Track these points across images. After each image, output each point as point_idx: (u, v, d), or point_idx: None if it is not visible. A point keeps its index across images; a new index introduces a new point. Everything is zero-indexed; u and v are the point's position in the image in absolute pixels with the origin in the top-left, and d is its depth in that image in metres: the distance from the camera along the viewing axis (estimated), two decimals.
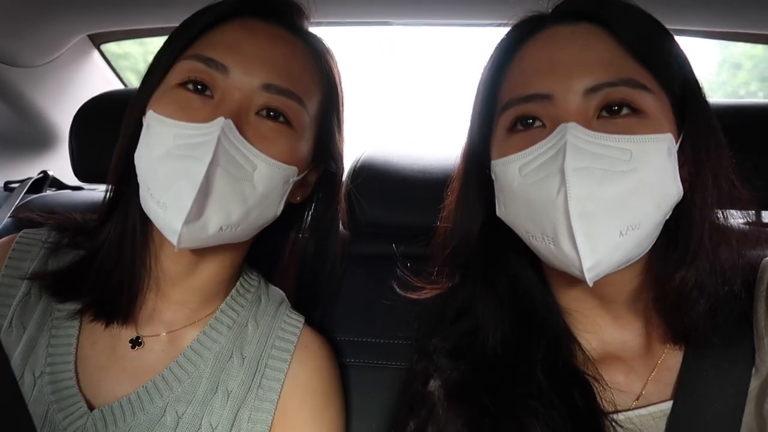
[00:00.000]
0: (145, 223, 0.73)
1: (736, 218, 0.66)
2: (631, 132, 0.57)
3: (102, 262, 0.74)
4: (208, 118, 0.64)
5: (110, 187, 0.75)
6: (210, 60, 0.67)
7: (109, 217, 0.76)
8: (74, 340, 0.73)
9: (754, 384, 0.60)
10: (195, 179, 0.61)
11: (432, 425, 0.67)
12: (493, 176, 0.66)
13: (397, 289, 0.79)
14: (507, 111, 0.63)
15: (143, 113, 0.69)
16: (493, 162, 0.65)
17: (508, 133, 0.64)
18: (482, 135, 0.69)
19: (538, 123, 0.61)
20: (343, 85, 0.81)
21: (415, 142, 1.10)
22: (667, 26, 0.65)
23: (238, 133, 0.64)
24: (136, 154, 0.68)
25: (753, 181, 0.64)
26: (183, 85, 0.68)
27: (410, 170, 0.98)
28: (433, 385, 0.71)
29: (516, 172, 0.61)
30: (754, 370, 0.60)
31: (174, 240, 0.63)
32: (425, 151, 1.03)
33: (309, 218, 0.85)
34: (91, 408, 0.69)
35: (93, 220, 0.80)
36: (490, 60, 0.70)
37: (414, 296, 0.76)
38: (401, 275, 0.79)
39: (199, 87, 0.68)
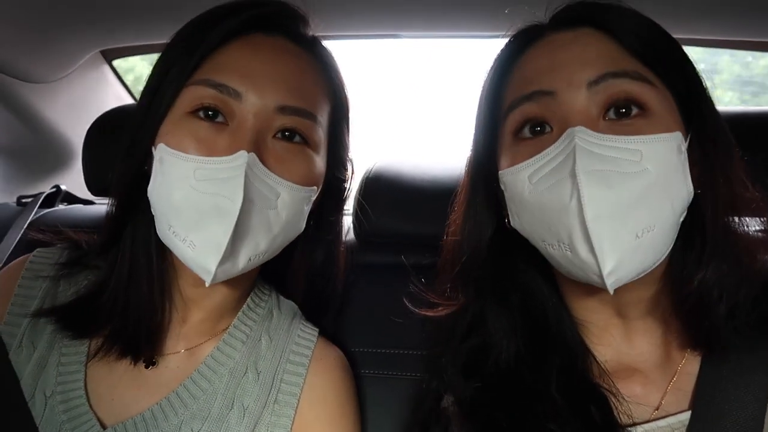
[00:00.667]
0: (162, 253, 0.72)
1: (752, 225, 0.66)
2: (640, 132, 0.56)
3: (115, 295, 0.72)
4: (228, 150, 0.63)
5: (114, 209, 0.72)
6: (222, 86, 0.65)
7: (115, 241, 0.73)
8: (84, 357, 0.72)
9: None
10: (229, 219, 0.60)
11: None
12: (502, 186, 0.65)
13: (411, 307, 0.77)
14: (511, 113, 0.63)
15: (152, 142, 0.67)
16: (501, 172, 0.64)
17: (514, 140, 0.63)
18: (487, 145, 0.68)
19: (546, 129, 0.61)
20: (349, 92, 0.80)
21: (425, 153, 1.10)
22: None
23: (262, 166, 0.63)
24: (150, 189, 0.66)
25: (765, 187, 0.64)
26: (195, 113, 0.65)
27: (420, 180, 0.98)
28: (447, 401, 0.70)
29: (526, 181, 0.60)
30: None
31: (208, 279, 0.62)
32: (435, 161, 1.04)
33: (315, 224, 0.83)
34: (104, 426, 0.69)
35: (99, 242, 0.78)
36: (491, 70, 0.69)
37: (429, 313, 0.75)
38: (414, 291, 0.78)
39: (211, 114, 0.65)
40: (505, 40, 0.70)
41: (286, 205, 0.67)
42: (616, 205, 0.54)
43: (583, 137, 0.55)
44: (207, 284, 0.62)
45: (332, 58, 0.78)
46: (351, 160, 0.83)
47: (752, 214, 0.64)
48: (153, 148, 0.67)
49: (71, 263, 0.78)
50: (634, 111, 0.58)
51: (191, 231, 0.62)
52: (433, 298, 0.75)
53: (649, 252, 0.56)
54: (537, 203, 0.59)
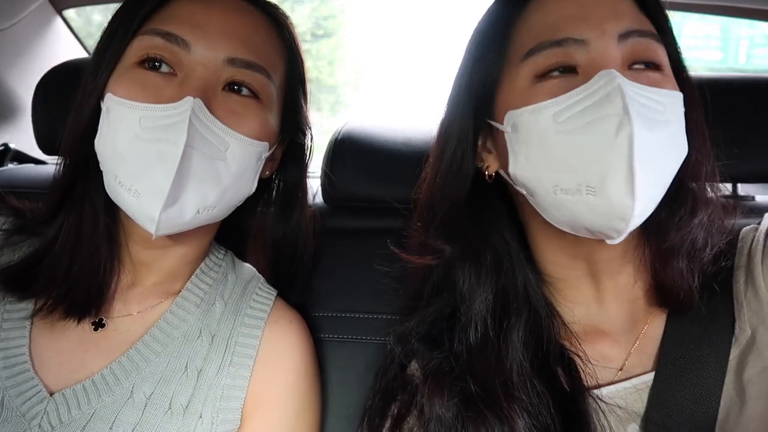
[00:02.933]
0: (110, 211, 0.70)
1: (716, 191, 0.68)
2: (658, 86, 0.58)
3: (59, 255, 0.70)
4: (174, 98, 0.62)
5: (63, 170, 0.71)
6: (170, 35, 0.64)
7: (63, 202, 0.71)
8: (28, 322, 0.70)
9: (734, 353, 0.60)
10: (171, 163, 0.59)
11: (414, 409, 0.66)
12: (508, 130, 0.62)
13: (382, 265, 0.77)
14: (535, 57, 0.60)
15: (101, 96, 0.66)
16: (512, 113, 0.61)
17: (535, 80, 0.60)
18: (482, 91, 0.65)
19: (573, 72, 0.59)
20: (304, 58, 0.79)
21: (396, 115, 1.08)
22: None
23: (208, 112, 0.62)
24: (97, 141, 0.65)
25: (729, 153, 0.65)
26: (142, 63, 0.64)
27: (393, 142, 0.96)
28: (412, 368, 0.70)
29: (550, 120, 0.57)
30: (734, 340, 0.61)
31: (152, 228, 0.60)
32: (408, 124, 1.01)
33: (276, 192, 0.83)
34: (52, 392, 0.67)
35: (47, 203, 0.75)
36: (492, 11, 0.67)
37: (406, 257, 0.73)
38: (387, 249, 0.76)
39: (160, 64, 0.64)
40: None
41: (236, 158, 0.65)
42: (655, 150, 0.54)
43: (623, 80, 0.54)
44: (153, 236, 0.61)
45: (288, 21, 0.76)
46: (309, 127, 0.82)
47: (717, 181, 0.66)
48: (102, 102, 0.65)
49: (14, 231, 0.76)
50: (653, 67, 0.59)
51: (136, 179, 0.61)
52: (404, 255, 0.74)
53: (654, 202, 0.57)
54: (565, 142, 0.56)
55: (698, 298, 0.62)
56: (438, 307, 0.71)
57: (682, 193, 0.62)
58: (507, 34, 0.64)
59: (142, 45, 0.65)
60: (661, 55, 0.60)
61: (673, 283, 0.62)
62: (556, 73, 0.59)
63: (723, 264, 0.63)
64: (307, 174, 0.85)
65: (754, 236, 0.64)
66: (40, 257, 0.71)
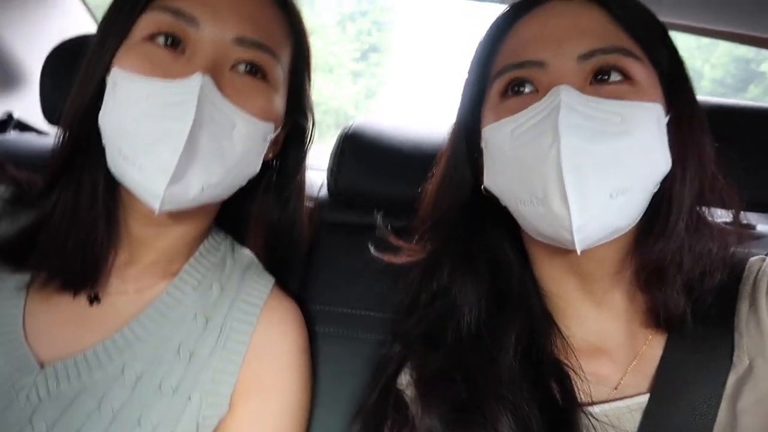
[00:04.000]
0: (110, 187, 0.70)
1: (723, 218, 0.68)
2: (623, 98, 0.58)
3: (56, 228, 0.69)
4: (183, 74, 0.61)
5: (62, 143, 0.70)
6: (179, 11, 0.64)
7: (61, 175, 0.71)
8: (22, 293, 0.70)
9: (730, 381, 0.61)
10: (178, 140, 0.58)
11: (405, 428, 0.67)
12: (483, 145, 0.66)
13: (373, 251, 0.77)
14: (500, 77, 0.64)
15: (106, 71, 0.65)
16: (484, 129, 0.65)
17: (501, 99, 0.64)
18: (473, 107, 0.69)
19: (531, 88, 0.62)
20: (310, 42, 0.79)
21: (405, 116, 1.08)
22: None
23: (217, 91, 0.62)
24: (101, 116, 0.64)
25: (739, 181, 0.65)
26: (151, 38, 0.64)
27: (402, 141, 0.96)
28: (404, 381, 0.70)
29: (508, 135, 0.61)
30: (731, 368, 0.61)
31: (156, 204, 0.60)
32: (416, 125, 1.01)
33: (276, 176, 0.83)
34: (43, 364, 0.66)
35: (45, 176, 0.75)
36: (485, 35, 0.70)
37: (393, 259, 0.75)
38: (380, 235, 0.78)
39: (168, 40, 0.64)
40: (503, 7, 0.69)
41: (242, 138, 0.65)
42: (592, 160, 0.55)
43: (568, 94, 0.57)
44: (156, 212, 0.60)
45: (296, 7, 0.77)
46: (312, 111, 0.82)
47: (721, 205, 0.66)
48: (107, 76, 0.65)
49: (12, 200, 0.76)
50: (619, 77, 0.60)
51: (141, 154, 0.60)
52: (397, 241, 0.76)
53: (621, 215, 0.57)
54: (516, 157, 0.60)
55: (699, 324, 0.62)
56: (437, 308, 0.71)
57: (664, 209, 0.62)
58: (490, 58, 0.67)
59: (150, 20, 0.65)
60: (631, 66, 0.60)
61: (663, 304, 0.63)
62: (514, 92, 0.63)
63: (726, 291, 0.63)
64: (306, 161, 0.84)
65: (760, 267, 0.64)
66: (37, 229, 0.71)
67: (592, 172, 0.55)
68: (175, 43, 0.64)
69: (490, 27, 0.69)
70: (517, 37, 0.65)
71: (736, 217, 0.97)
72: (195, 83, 0.60)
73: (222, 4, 0.65)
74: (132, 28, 0.65)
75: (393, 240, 0.77)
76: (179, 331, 0.72)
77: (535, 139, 0.58)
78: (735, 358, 0.61)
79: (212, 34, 0.64)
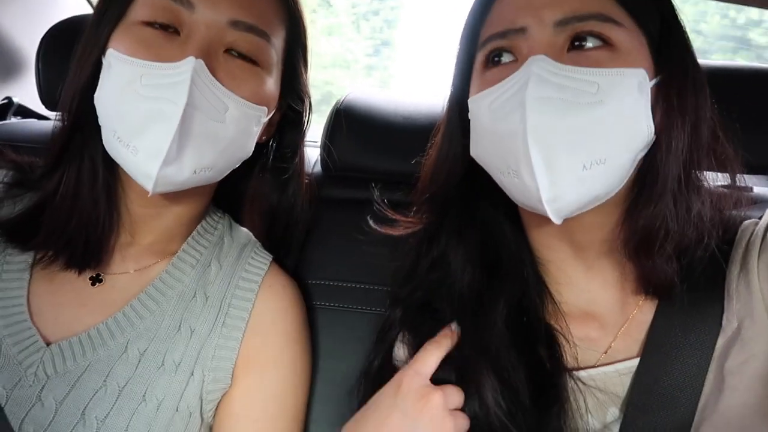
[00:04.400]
0: (109, 166, 0.71)
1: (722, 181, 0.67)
2: (601, 65, 0.57)
3: (59, 208, 0.71)
4: (176, 57, 0.62)
5: (63, 124, 0.71)
6: None
7: (62, 156, 0.72)
8: (26, 274, 0.72)
9: (720, 343, 0.61)
10: (171, 122, 0.59)
11: None
12: (470, 116, 0.66)
13: (372, 223, 0.78)
14: (484, 47, 0.63)
15: (102, 51, 0.66)
16: (469, 101, 0.65)
17: (483, 70, 0.64)
18: (463, 79, 0.69)
19: (510, 58, 0.62)
20: (306, 23, 0.79)
21: (397, 89, 1.07)
22: None
23: (209, 74, 0.63)
24: (96, 96, 0.65)
25: (741, 142, 0.64)
26: (147, 21, 0.65)
27: (394, 115, 0.95)
28: (400, 354, 0.72)
29: (486, 108, 0.61)
30: (720, 331, 0.61)
31: (149, 185, 0.62)
32: (411, 98, 1.01)
33: (272, 157, 0.84)
34: (49, 343, 0.68)
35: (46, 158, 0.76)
36: (473, 5, 0.69)
37: (390, 231, 0.76)
38: (377, 209, 0.79)
39: (163, 23, 0.65)
40: None
41: (234, 120, 0.66)
42: (561, 133, 0.55)
43: (541, 65, 0.56)
44: (149, 192, 0.62)
45: None
46: (308, 94, 0.83)
47: (718, 169, 0.65)
48: (103, 57, 0.66)
49: (13, 184, 0.77)
50: (599, 44, 0.59)
51: (135, 136, 0.62)
52: (394, 214, 0.77)
53: (597, 184, 0.57)
54: (493, 129, 0.60)
55: (689, 289, 0.62)
56: (434, 275, 0.72)
57: (649, 178, 0.61)
58: (478, 29, 0.66)
59: (147, 3, 0.65)
60: (610, 32, 0.58)
61: (652, 273, 0.63)
62: (494, 63, 0.63)
63: (717, 254, 0.63)
64: (305, 142, 0.85)
65: (753, 230, 0.64)
66: (41, 210, 0.72)
67: (560, 146, 0.55)
68: (170, 25, 0.65)
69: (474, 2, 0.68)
70: (501, 6, 0.64)
71: (732, 179, 0.96)
72: (188, 66, 0.61)
73: None
74: (128, 9, 0.66)
75: (390, 213, 0.78)
76: (179, 308, 0.73)
77: (509, 113, 0.58)
78: (724, 321, 0.61)
79: (207, 17, 0.65)
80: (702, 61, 0.66)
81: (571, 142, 0.55)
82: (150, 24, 0.65)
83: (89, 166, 0.71)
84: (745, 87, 0.88)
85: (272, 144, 0.83)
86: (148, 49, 0.63)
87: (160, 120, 0.60)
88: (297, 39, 0.77)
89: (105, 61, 0.65)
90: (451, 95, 0.73)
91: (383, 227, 0.77)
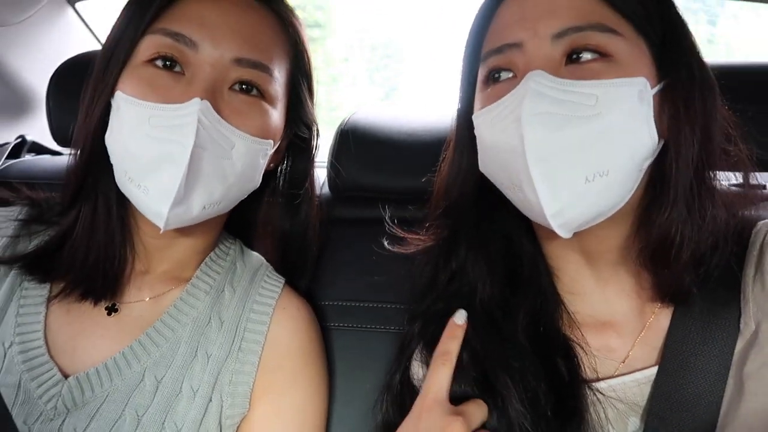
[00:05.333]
0: (122, 202, 0.72)
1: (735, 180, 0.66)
2: (599, 77, 0.56)
3: (76, 243, 0.72)
4: (183, 98, 0.63)
5: (75, 163, 0.73)
6: (178, 35, 0.66)
7: (77, 194, 0.74)
8: (43, 308, 0.73)
9: (738, 347, 0.60)
10: (180, 163, 0.61)
11: None
12: (475, 132, 0.66)
13: (386, 245, 0.78)
14: (483, 64, 0.64)
15: (111, 94, 0.67)
16: (473, 118, 0.66)
17: (484, 86, 0.64)
18: (469, 94, 0.69)
19: (509, 74, 0.62)
20: (310, 51, 0.80)
21: (402, 106, 1.08)
22: None
23: (215, 113, 0.64)
24: (107, 137, 0.67)
25: (755, 140, 0.63)
26: (152, 61, 0.66)
27: (398, 133, 0.96)
28: (419, 373, 0.71)
29: (488, 124, 0.62)
30: (738, 335, 0.60)
31: (161, 223, 0.64)
32: (415, 115, 1.01)
33: (282, 185, 0.85)
34: (66, 375, 0.69)
35: (62, 195, 0.78)
36: (473, 21, 0.69)
37: (401, 250, 0.76)
38: (390, 231, 0.79)
39: (168, 63, 0.66)
40: None
41: (241, 156, 0.68)
42: (560, 148, 0.55)
43: (538, 80, 0.56)
44: (161, 230, 0.64)
45: (293, 15, 0.78)
46: (315, 122, 0.83)
47: (732, 169, 0.64)
48: (112, 99, 0.67)
49: (30, 220, 0.79)
50: (595, 56, 0.58)
51: (145, 176, 0.63)
52: (407, 234, 0.77)
53: (603, 197, 0.57)
54: (495, 145, 0.61)
55: (706, 293, 0.61)
56: (454, 287, 0.72)
57: (660, 185, 0.60)
58: (478, 44, 0.67)
59: (151, 44, 0.67)
60: (608, 43, 0.58)
61: (669, 281, 0.62)
62: (493, 80, 0.63)
63: (734, 256, 0.62)
64: (314, 166, 0.86)
65: (767, 231, 0.63)
66: (58, 245, 0.74)
67: (560, 161, 0.55)
68: (175, 64, 0.66)
69: (478, 12, 0.68)
70: (499, 20, 0.64)
71: (745, 179, 0.95)
72: (193, 108, 0.62)
73: (220, 26, 0.67)
74: (134, 51, 0.67)
75: (400, 232, 0.78)
76: (195, 334, 0.74)
77: (508, 128, 0.58)
78: (741, 325, 0.60)
79: (211, 55, 0.66)
80: (711, 60, 0.65)
81: (571, 156, 0.55)
82: (154, 62, 0.66)
83: (103, 202, 0.72)
84: (756, 84, 0.88)
85: (282, 170, 0.84)
86: (154, 91, 0.64)
87: (169, 161, 0.62)
88: (301, 69, 0.78)
89: (114, 103, 0.67)
90: (459, 111, 0.73)
91: (395, 246, 0.78)
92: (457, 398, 0.64)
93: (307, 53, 0.79)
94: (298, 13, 0.79)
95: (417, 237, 0.76)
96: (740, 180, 0.66)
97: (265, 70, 0.69)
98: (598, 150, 0.55)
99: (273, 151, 0.74)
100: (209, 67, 0.66)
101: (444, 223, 0.74)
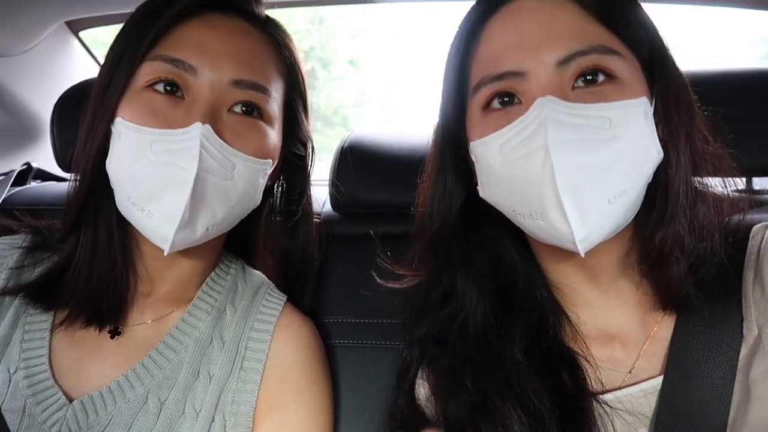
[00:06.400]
0: (123, 225, 0.72)
1: (719, 186, 0.66)
2: (608, 99, 0.57)
3: (79, 268, 0.72)
4: (184, 123, 0.64)
5: (76, 189, 0.72)
6: (177, 61, 0.67)
7: (78, 219, 0.74)
8: (47, 333, 0.73)
9: (743, 353, 0.59)
10: (184, 189, 0.62)
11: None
12: (472, 157, 0.65)
13: (378, 279, 0.78)
14: (480, 91, 0.62)
15: (111, 120, 0.68)
16: (471, 143, 0.64)
17: (483, 113, 0.63)
18: (455, 116, 0.67)
19: (515, 100, 0.61)
20: (304, 72, 0.82)
21: (401, 122, 1.09)
22: None
23: (216, 138, 0.65)
24: (108, 163, 0.68)
25: (743, 146, 0.64)
26: (151, 86, 0.67)
27: (398, 148, 0.97)
28: (421, 393, 0.71)
29: (497, 151, 0.60)
30: (742, 340, 0.60)
31: (165, 246, 0.64)
32: (412, 130, 1.02)
33: (280, 203, 0.86)
34: (71, 399, 0.69)
35: (62, 221, 0.78)
36: (455, 39, 0.68)
37: (397, 285, 0.76)
38: (381, 264, 0.78)
39: (169, 88, 0.67)
40: (470, 4, 0.67)
41: (243, 177, 0.68)
42: (587, 173, 0.55)
43: (553, 107, 0.56)
44: (165, 253, 0.64)
45: (287, 37, 0.79)
46: (310, 139, 0.85)
47: (714, 172, 0.65)
48: (112, 125, 0.68)
49: (33, 248, 0.79)
50: (602, 78, 0.59)
51: (149, 201, 0.64)
52: (399, 269, 0.76)
53: (621, 216, 0.57)
54: (509, 174, 0.59)
55: (707, 299, 0.61)
56: (446, 311, 0.72)
57: (660, 195, 0.61)
58: (465, 65, 0.65)
59: (151, 69, 0.67)
60: (613, 65, 0.58)
61: (668, 287, 0.62)
62: (497, 105, 0.62)
63: (731, 262, 0.62)
64: (311, 183, 0.87)
65: (764, 235, 0.63)
66: (61, 271, 0.74)
67: (587, 185, 0.55)
68: (175, 89, 0.67)
69: (459, 30, 0.67)
70: (491, 43, 0.63)
71: (749, 185, 0.94)
72: (196, 132, 0.63)
73: (218, 50, 0.68)
74: (132, 77, 0.68)
75: (397, 269, 0.77)
76: (197, 355, 0.74)
77: (527, 156, 0.57)
78: (744, 330, 0.60)
79: (210, 78, 0.67)
80: (709, 68, 0.65)
81: (596, 180, 0.55)
82: (154, 86, 0.67)
83: (104, 226, 0.72)
84: (743, 89, 0.88)
85: (278, 188, 0.85)
86: (155, 116, 0.65)
87: (173, 186, 0.62)
88: (295, 88, 0.80)
89: (114, 129, 0.67)
90: (441, 134, 0.70)
91: (390, 282, 0.76)
92: (462, 421, 0.63)
93: (301, 73, 0.80)
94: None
95: (413, 273, 0.75)
96: (731, 186, 0.66)
97: (263, 90, 0.71)
98: (617, 171, 0.56)
99: (271, 171, 0.74)
100: (208, 89, 0.67)
101: (432, 248, 0.73)
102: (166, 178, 0.63)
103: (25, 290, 0.74)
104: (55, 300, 0.73)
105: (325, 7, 1.31)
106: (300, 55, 0.81)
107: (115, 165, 0.67)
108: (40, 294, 0.74)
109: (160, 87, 0.67)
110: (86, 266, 0.72)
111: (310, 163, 0.86)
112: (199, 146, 0.62)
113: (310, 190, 0.87)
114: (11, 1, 1.15)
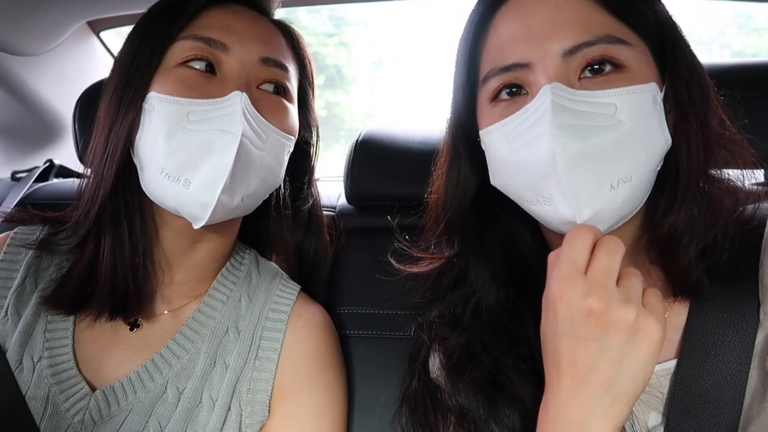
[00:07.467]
0: (143, 216, 0.73)
1: (748, 178, 0.65)
2: (614, 86, 0.57)
3: (100, 263, 0.72)
4: (218, 95, 0.67)
5: (96, 180, 0.71)
6: (210, 39, 0.70)
7: (102, 212, 0.72)
8: (71, 324, 0.74)
9: (759, 338, 0.59)
10: (229, 151, 0.63)
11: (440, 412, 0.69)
12: (483, 146, 0.66)
13: (395, 264, 0.78)
14: (488, 82, 0.63)
15: (143, 97, 0.68)
16: (481, 132, 0.65)
17: (492, 104, 0.64)
18: (467, 106, 0.68)
19: (522, 91, 0.61)
20: (314, 65, 0.85)
21: (414, 114, 1.10)
22: None
23: (253, 107, 0.67)
24: (139, 140, 0.68)
25: (761, 134, 0.63)
26: (185, 63, 0.69)
27: (412, 141, 0.98)
28: (434, 366, 0.71)
29: (504, 140, 0.61)
30: (759, 325, 0.59)
31: (205, 213, 0.64)
32: (425, 124, 1.03)
33: (290, 197, 0.88)
34: (93, 389, 0.71)
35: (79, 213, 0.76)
36: (464, 32, 0.68)
37: (414, 269, 0.76)
38: (399, 247, 0.79)
39: (203, 64, 0.69)
40: None
41: (273, 150, 0.71)
42: (588, 158, 0.55)
43: (558, 93, 0.56)
44: (200, 224, 0.65)
45: (298, 33, 0.83)
46: (317, 126, 0.88)
47: (731, 159, 0.64)
48: (143, 102, 0.68)
49: (49, 242, 0.79)
50: (609, 68, 0.59)
51: (187, 170, 0.65)
52: (418, 252, 0.77)
53: (627, 202, 0.57)
54: (515, 161, 0.60)
55: (722, 284, 0.61)
56: (458, 294, 0.72)
57: (670, 181, 0.60)
58: (475, 57, 0.66)
59: (184, 47, 0.70)
60: (620, 54, 0.58)
61: (679, 271, 0.61)
62: (505, 95, 0.62)
63: (748, 249, 0.61)
64: (328, 177, 0.88)
65: None
66: (84, 267, 0.74)
67: (589, 171, 0.55)
68: (209, 66, 0.70)
69: (468, 22, 0.68)
70: (498, 34, 0.64)
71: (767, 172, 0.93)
72: (237, 99, 0.66)
73: (246, 31, 0.72)
74: (163, 57, 0.70)
75: (415, 252, 0.78)
76: (213, 345, 0.75)
77: (531, 143, 0.58)
78: (761, 315, 0.59)
79: (241, 55, 0.70)
80: (725, 60, 0.64)
81: (598, 166, 0.55)
82: (188, 63, 0.69)
83: (126, 216, 0.72)
84: (756, 82, 0.87)
85: (286, 175, 0.85)
86: (191, 89, 0.67)
87: (216, 151, 0.64)
88: (305, 76, 0.84)
89: (147, 105, 0.68)
90: (453, 124, 0.72)
91: (407, 266, 0.77)
92: (477, 398, 0.64)
93: (309, 63, 0.84)
94: None
95: (430, 256, 0.76)
96: (751, 180, 0.65)
97: (286, 69, 0.75)
98: (621, 157, 0.56)
99: (291, 150, 0.77)
100: (240, 66, 0.70)
101: (448, 239, 0.74)
102: (207, 143, 0.64)
103: (49, 303, 0.74)
104: (78, 301, 0.74)
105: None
106: (310, 51, 0.84)
107: (149, 139, 0.67)
108: (62, 298, 0.74)
109: (195, 64, 0.69)
110: (109, 260, 0.72)
111: (314, 151, 0.88)
112: (242, 111, 0.64)
113: (315, 182, 0.90)
114: (35, 2, 1.17)
